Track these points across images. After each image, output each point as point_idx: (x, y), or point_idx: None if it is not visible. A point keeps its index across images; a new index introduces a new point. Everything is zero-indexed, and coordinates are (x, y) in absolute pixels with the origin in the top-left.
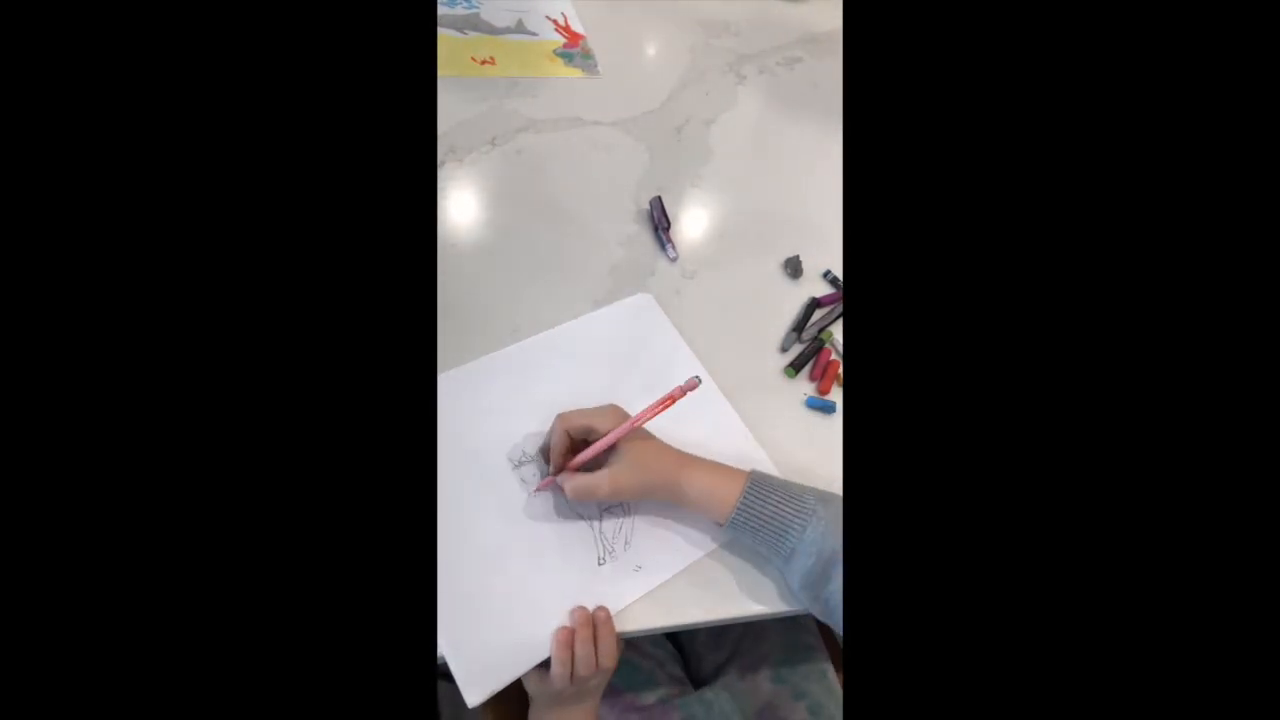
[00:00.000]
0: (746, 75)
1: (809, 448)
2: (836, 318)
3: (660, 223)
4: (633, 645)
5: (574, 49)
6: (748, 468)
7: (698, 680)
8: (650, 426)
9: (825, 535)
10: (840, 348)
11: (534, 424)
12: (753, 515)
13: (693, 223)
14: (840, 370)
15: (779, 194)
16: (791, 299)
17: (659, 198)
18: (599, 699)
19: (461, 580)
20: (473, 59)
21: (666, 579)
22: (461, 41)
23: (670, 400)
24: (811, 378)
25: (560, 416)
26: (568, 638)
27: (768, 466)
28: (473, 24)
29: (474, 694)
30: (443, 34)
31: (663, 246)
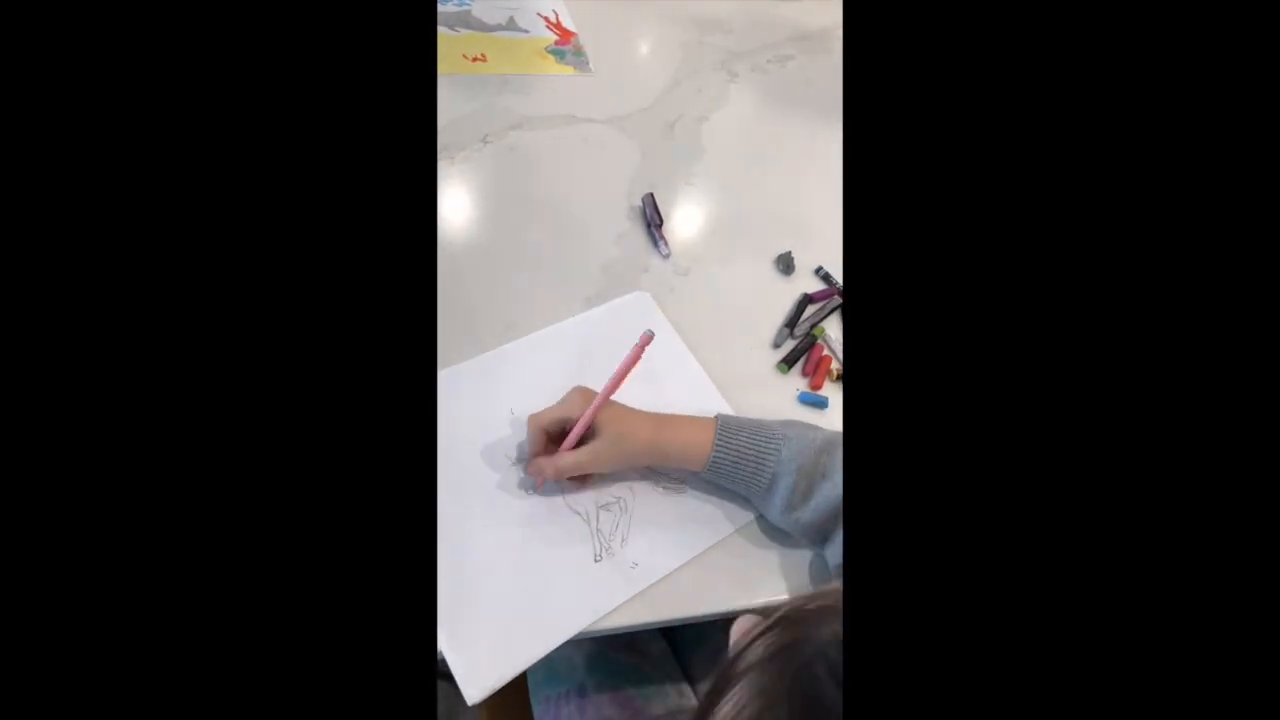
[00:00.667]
0: (739, 73)
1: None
2: (829, 313)
3: (653, 220)
4: (631, 647)
5: (566, 46)
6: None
7: (692, 679)
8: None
9: (799, 452)
10: (832, 343)
11: (513, 427)
12: (729, 455)
13: (685, 220)
14: (832, 365)
15: (771, 191)
16: (784, 295)
17: (651, 195)
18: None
19: (460, 578)
20: (464, 56)
21: (662, 576)
22: (453, 39)
23: (630, 363)
24: (804, 373)
25: (531, 418)
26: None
27: None
28: (464, 21)
29: (474, 691)
30: None
31: (655, 244)
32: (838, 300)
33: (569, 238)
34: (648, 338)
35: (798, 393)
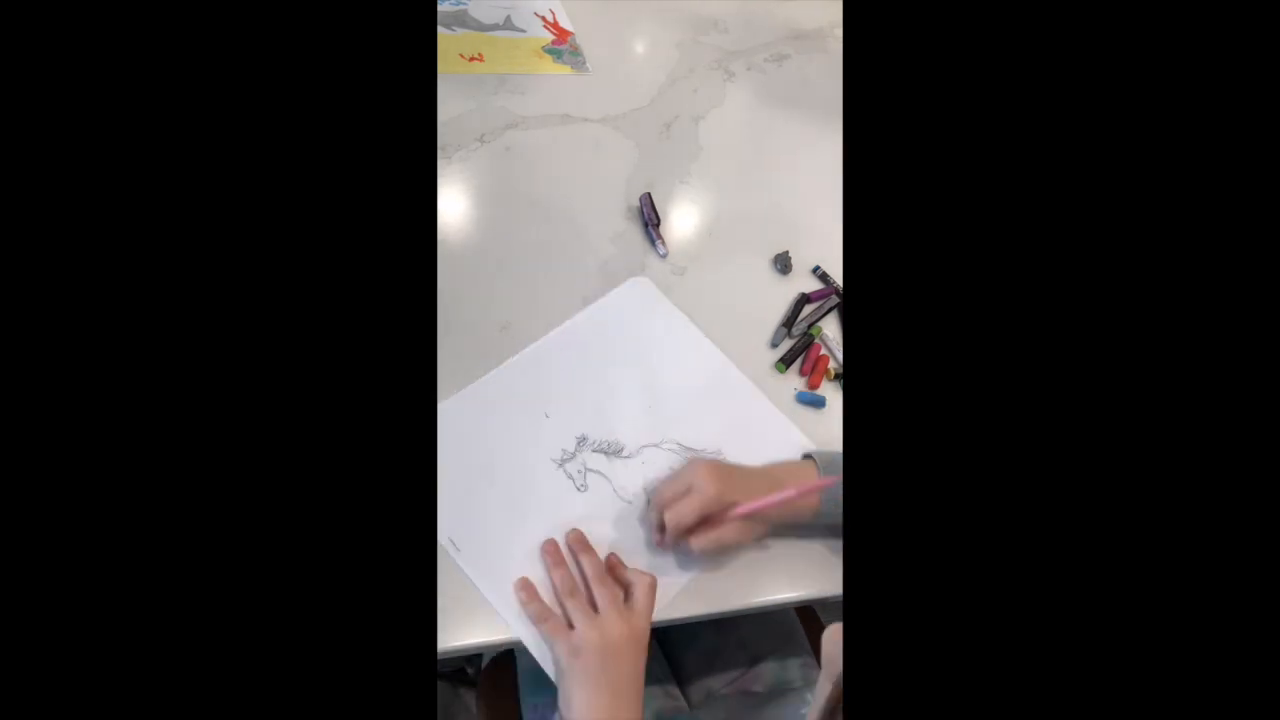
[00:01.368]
0: (735, 72)
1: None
2: (826, 313)
3: (650, 219)
4: None
5: (562, 46)
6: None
7: (688, 696)
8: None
9: None
10: (829, 343)
11: (564, 424)
12: (832, 504)
13: (682, 219)
14: (830, 365)
15: (768, 190)
16: (781, 295)
17: (648, 194)
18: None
19: (535, 584)
20: (461, 56)
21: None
22: (450, 38)
23: (786, 499)
24: (801, 373)
25: (669, 512)
26: (553, 548)
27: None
28: (461, 20)
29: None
30: None
31: (652, 243)
32: (835, 299)
33: (566, 237)
34: (822, 484)
35: (795, 392)
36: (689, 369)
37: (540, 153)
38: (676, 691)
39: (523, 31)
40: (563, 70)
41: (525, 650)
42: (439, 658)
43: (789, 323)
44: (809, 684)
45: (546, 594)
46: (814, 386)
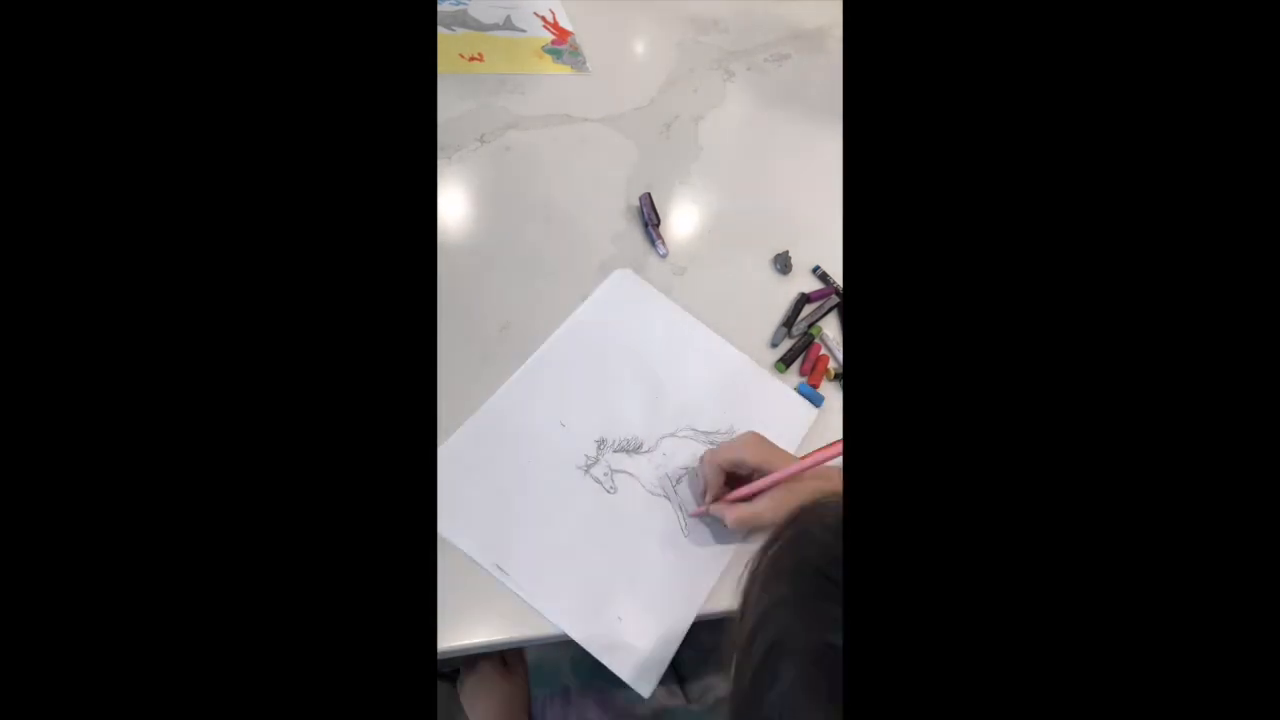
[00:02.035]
0: (735, 72)
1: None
2: (826, 313)
3: (650, 219)
4: None
5: (562, 46)
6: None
7: (685, 690)
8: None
9: None
10: (829, 343)
11: (582, 430)
12: None
13: (682, 219)
14: (829, 365)
15: (768, 190)
16: (781, 294)
17: (648, 194)
18: None
19: (587, 592)
20: (461, 56)
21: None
22: (450, 38)
23: (826, 456)
24: (801, 373)
25: (708, 454)
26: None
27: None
28: (461, 20)
29: (645, 687)
30: None
31: (652, 243)
32: (835, 299)
33: (566, 237)
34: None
35: (798, 384)
36: (686, 353)
37: (540, 153)
38: (676, 690)
39: (523, 31)
40: (563, 70)
41: (528, 648)
42: (439, 657)
43: (789, 323)
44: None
45: (587, 593)
46: (814, 386)
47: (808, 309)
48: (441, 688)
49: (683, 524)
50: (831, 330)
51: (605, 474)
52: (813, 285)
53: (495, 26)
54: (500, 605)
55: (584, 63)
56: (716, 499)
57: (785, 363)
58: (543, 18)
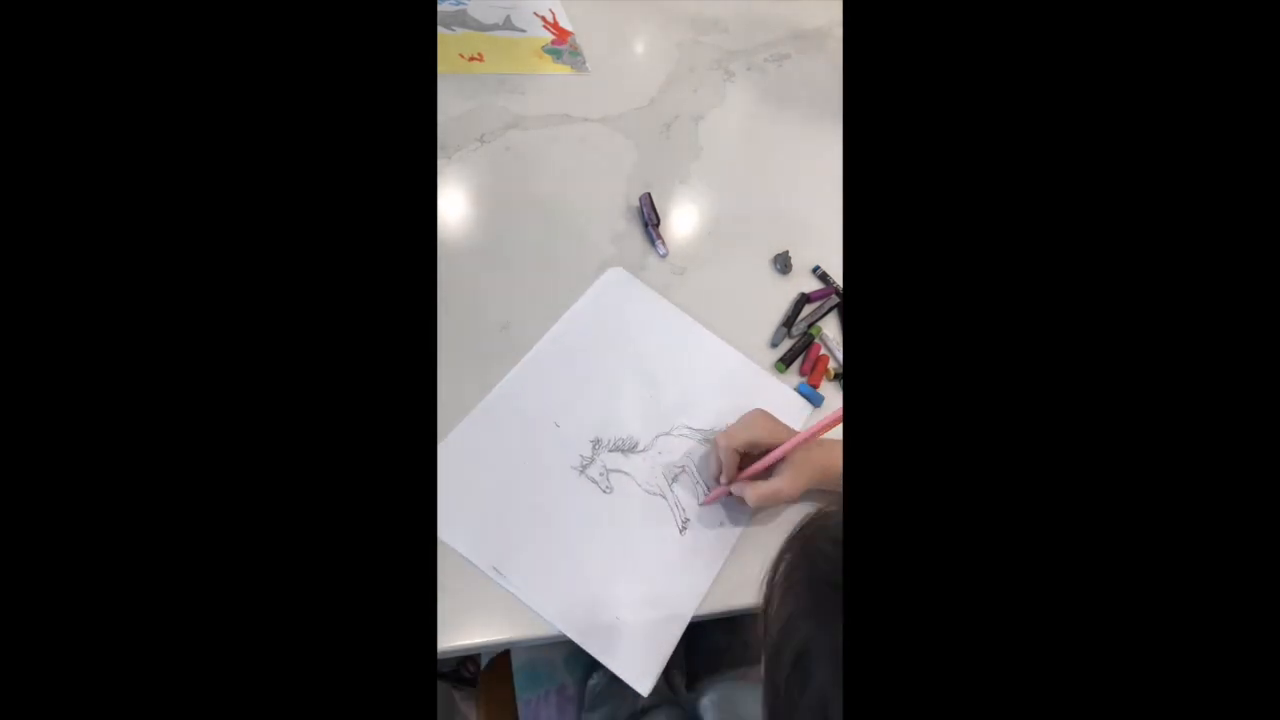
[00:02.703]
0: (735, 72)
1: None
2: (826, 313)
3: (650, 219)
4: None
5: (562, 46)
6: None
7: (692, 686)
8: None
9: None
10: (829, 343)
11: (576, 430)
12: None
13: (682, 219)
14: (829, 365)
15: (768, 190)
16: (781, 294)
17: (648, 194)
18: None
19: (588, 595)
20: (461, 55)
21: (749, 523)
22: (449, 38)
23: (828, 427)
24: (801, 372)
25: (721, 436)
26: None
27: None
28: (461, 20)
29: (645, 685)
30: None
31: (652, 243)
32: (835, 300)
33: (566, 237)
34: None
35: (798, 383)
36: (681, 351)
37: (540, 153)
38: (675, 682)
39: (523, 31)
40: (563, 70)
41: (521, 649)
42: (438, 657)
43: (789, 323)
44: None
45: (584, 594)
46: (814, 386)
47: (808, 309)
48: (441, 688)
49: (679, 522)
50: (831, 330)
51: (601, 474)
52: (813, 285)
53: (495, 26)
54: (497, 605)
55: (584, 63)
56: (732, 480)
57: (785, 362)
58: (542, 18)
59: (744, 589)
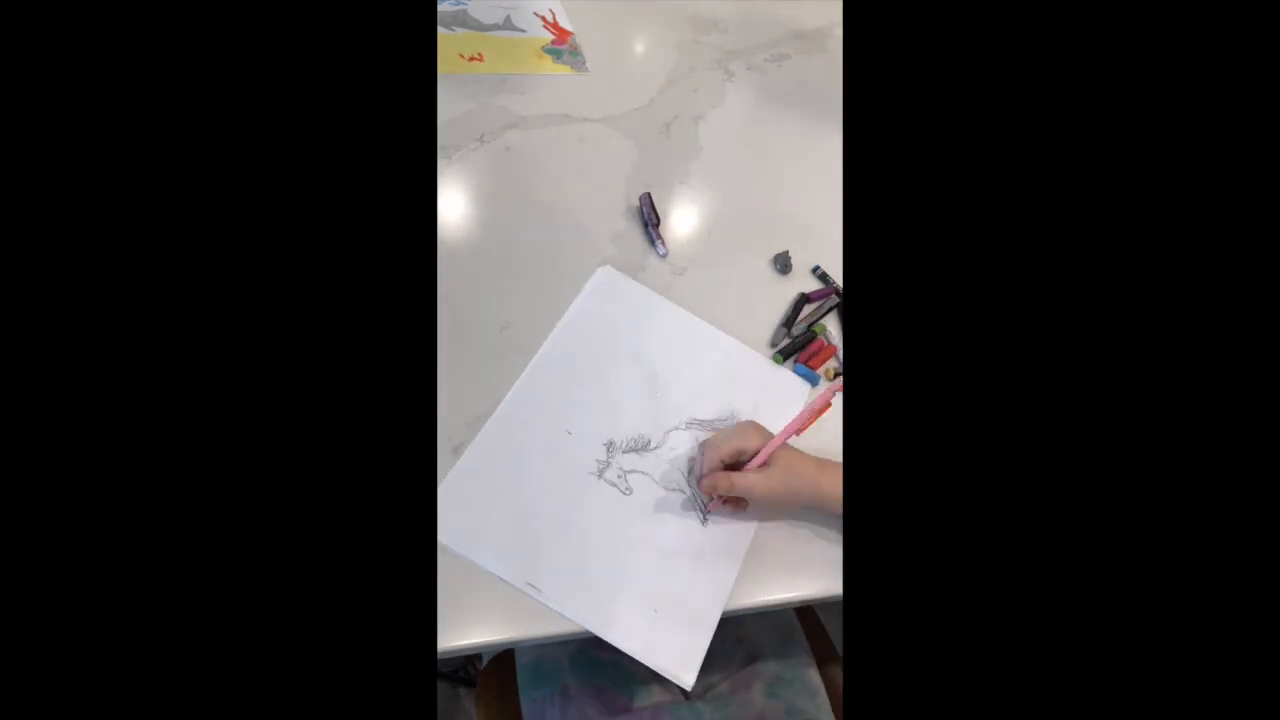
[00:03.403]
0: (735, 72)
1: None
2: (826, 312)
3: (649, 219)
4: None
5: (562, 46)
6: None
7: (688, 692)
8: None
9: None
10: (831, 339)
11: (589, 435)
12: None
13: (682, 219)
14: (829, 364)
15: (768, 190)
16: (781, 294)
17: (648, 194)
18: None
19: (622, 598)
20: (461, 56)
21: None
22: (450, 38)
23: (816, 413)
24: (799, 360)
25: (707, 444)
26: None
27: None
28: (461, 20)
29: (689, 678)
30: None
31: (652, 243)
32: (835, 299)
33: (566, 237)
34: (831, 393)
35: (794, 365)
36: (678, 344)
37: (540, 153)
38: (672, 684)
39: (522, 31)
40: (563, 70)
41: (526, 648)
42: (439, 657)
43: (789, 322)
44: (821, 710)
45: (620, 597)
46: (812, 368)
47: (808, 309)
48: (441, 688)
49: (701, 514)
50: (832, 330)
51: (619, 476)
52: (813, 285)
53: (495, 26)
54: (498, 605)
55: (584, 63)
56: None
57: (784, 354)
58: (542, 18)
59: (736, 591)
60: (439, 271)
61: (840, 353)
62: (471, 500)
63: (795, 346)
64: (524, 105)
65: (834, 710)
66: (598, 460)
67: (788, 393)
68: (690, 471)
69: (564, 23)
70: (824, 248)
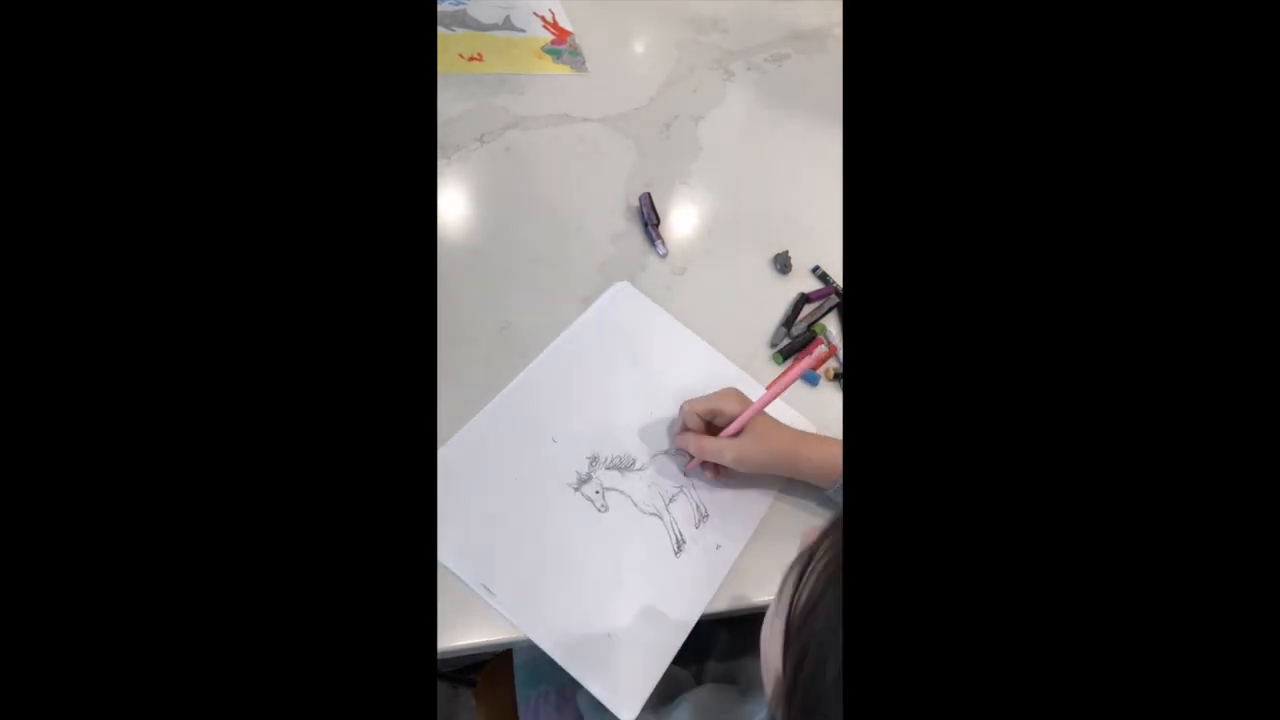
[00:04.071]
0: (734, 72)
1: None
2: (826, 312)
3: (649, 219)
4: None
5: (562, 46)
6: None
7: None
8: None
9: None
10: (831, 339)
11: (573, 446)
12: None
13: (682, 219)
14: (829, 364)
15: (767, 190)
16: (781, 294)
17: (648, 194)
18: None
19: (577, 616)
20: (460, 56)
21: (745, 544)
22: (449, 38)
23: (796, 375)
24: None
25: (688, 403)
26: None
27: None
28: (460, 20)
29: (628, 714)
30: None
31: (652, 243)
32: (835, 299)
33: (565, 237)
34: (824, 349)
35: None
36: (683, 369)
37: (540, 153)
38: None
39: (522, 31)
40: (562, 70)
41: (523, 645)
42: (439, 657)
43: (789, 322)
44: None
45: (574, 613)
46: (813, 369)
47: (807, 309)
48: (441, 688)
49: (675, 544)
50: (832, 330)
51: (597, 492)
52: (812, 285)
53: (495, 26)
54: (494, 606)
55: (583, 63)
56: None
57: (784, 354)
58: (542, 18)
59: (727, 593)
60: (439, 272)
61: (840, 353)
62: (441, 493)
63: (795, 346)
64: (524, 105)
65: None
66: (578, 472)
67: (789, 418)
68: (671, 500)
69: (564, 22)
70: (824, 247)
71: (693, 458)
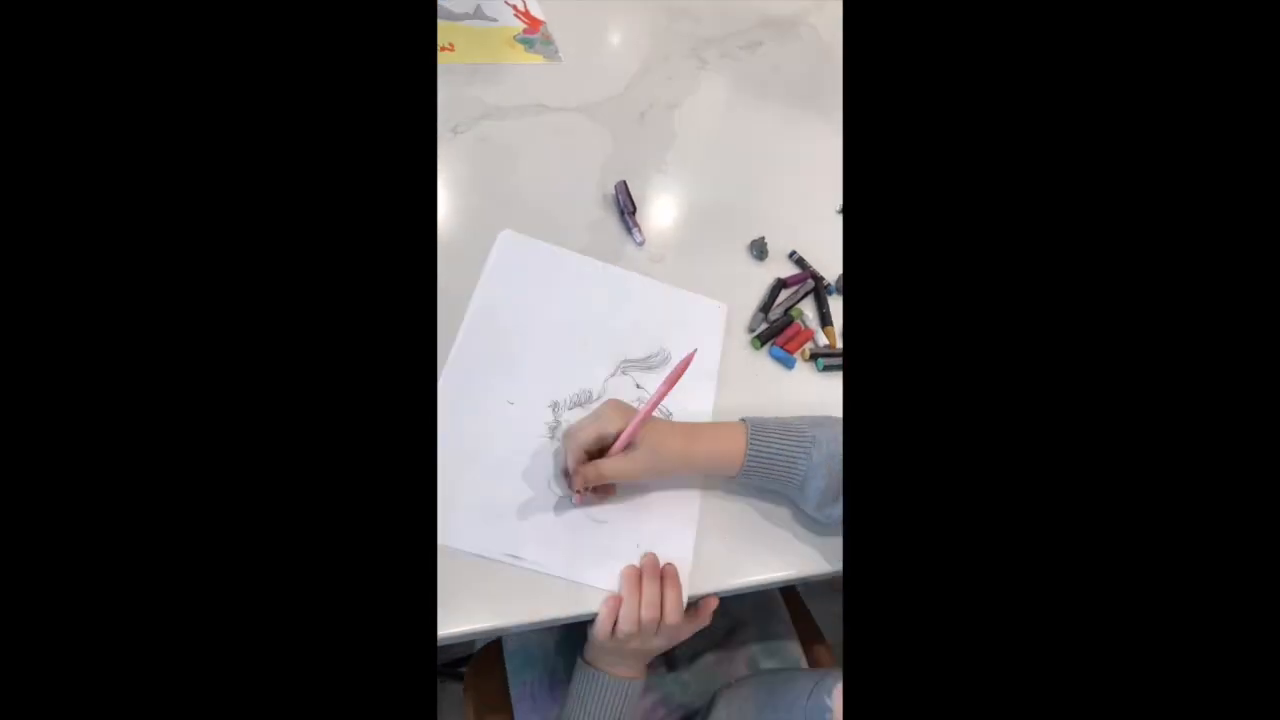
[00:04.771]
0: (708, 59)
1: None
2: (803, 297)
3: (626, 208)
4: None
5: (534, 35)
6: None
7: (672, 664)
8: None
9: (829, 455)
10: (807, 322)
11: (531, 400)
12: (761, 461)
13: (658, 207)
14: (807, 345)
15: (743, 176)
16: (758, 280)
17: (624, 183)
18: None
19: (597, 546)
20: None
21: (689, 561)
22: None
23: (670, 384)
24: (776, 344)
25: (567, 435)
26: (635, 576)
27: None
28: None
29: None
30: None
31: (629, 231)
32: (811, 284)
33: (542, 227)
34: (690, 358)
35: (770, 349)
36: (594, 293)
37: (514, 143)
38: (660, 668)
39: (494, 21)
40: (535, 59)
41: (513, 634)
42: None
43: (766, 307)
44: (790, 664)
45: (599, 544)
46: (790, 351)
47: (784, 294)
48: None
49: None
50: (808, 314)
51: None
52: (789, 270)
53: (466, 15)
54: (488, 592)
55: (556, 51)
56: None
57: (761, 339)
58: (514, 6)
59: (719, 574)
60: None
61: (817, 336)
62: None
63: (772, 331)
64: (497, 95)
65: None
66: (547, 423)
67: (708, 319)
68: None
69: (535, 11)
70: (799, 233)
71: (578, 492)
